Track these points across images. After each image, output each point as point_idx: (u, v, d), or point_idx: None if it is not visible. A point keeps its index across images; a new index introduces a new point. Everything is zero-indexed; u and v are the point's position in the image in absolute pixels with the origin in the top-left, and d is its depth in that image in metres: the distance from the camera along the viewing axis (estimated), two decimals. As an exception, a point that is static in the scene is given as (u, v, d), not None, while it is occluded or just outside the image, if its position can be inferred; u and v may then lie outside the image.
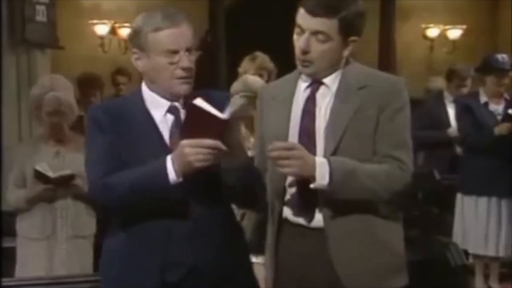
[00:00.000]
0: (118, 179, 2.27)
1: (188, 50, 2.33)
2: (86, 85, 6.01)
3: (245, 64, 4.85)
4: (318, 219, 2.35)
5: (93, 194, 2.38)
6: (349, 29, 2.32)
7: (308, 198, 2.35)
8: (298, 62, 2.38)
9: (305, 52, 2.32)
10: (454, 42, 10.71)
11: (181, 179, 2.22)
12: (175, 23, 2.32)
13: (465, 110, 5.23)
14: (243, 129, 4.02)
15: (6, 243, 3.93)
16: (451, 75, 6.20)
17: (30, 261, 3.72)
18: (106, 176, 2.28)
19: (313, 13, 2.29)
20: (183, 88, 2.33)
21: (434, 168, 5.71)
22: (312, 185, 2.26)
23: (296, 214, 2.38)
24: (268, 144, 2.36)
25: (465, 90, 6.03)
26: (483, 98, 5.19)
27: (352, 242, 2.32)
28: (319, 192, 2.30)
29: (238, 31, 9.53)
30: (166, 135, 2.34)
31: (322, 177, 2.24)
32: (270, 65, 4.82)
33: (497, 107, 5.16)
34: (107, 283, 2.43)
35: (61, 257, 3.69)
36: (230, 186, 2.31)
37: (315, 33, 2.30)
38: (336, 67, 2.39)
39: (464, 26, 10.67)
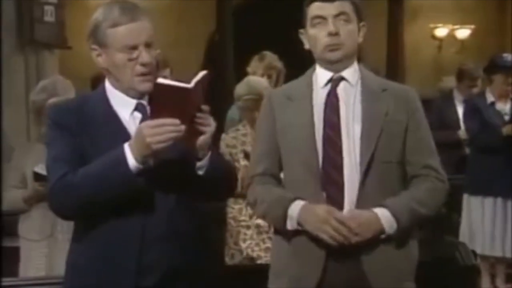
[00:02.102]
0: (78, 176, 2.18)
1: (147, 45, 2.22)
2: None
3: (254, 64, 4.84)
4: None
5: (53, 196, 2.25)
6: (359, 12, 2.45)
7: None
8: (324, 51, 2.42)
9: (335, 33, 2.39)
10: (462, 42, 10.69)
11: (141, 166, 2.14)
12: (133, 17, 2.21)
13: (473, 110, 5.22)
14: (249, 130, 4.01)
15: (11, 243, 3.92)
16: (461, 75, 6.17)
17: (32, 261, 3.71)
18: (66, 176, 2.19)
19: None
20: (145, 86, 2.23)
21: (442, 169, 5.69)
22: (382, 236, 2.33)
23: None
24: (286, 146, 2.41)
25: (475, 90, 6.00)
26: (489, 98, 5.18)
27: (380, 243, 2.36)
28: (346, 193, 2.36)
29: (246, 31, 9.53)
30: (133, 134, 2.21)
31: (390, 227, 2.33)
32: (278, 64, 4.81)
33: (504, 107, 5.16)
34: None
35: (63, 257, 3.67)
36: (200, 179, 2.23)
37: (338, 15, 2.41)
38: (353, 57, 2.48)
39: (473, 26, 10.65)
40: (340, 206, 2.35)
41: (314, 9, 2.43)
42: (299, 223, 2.36)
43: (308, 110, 2.42)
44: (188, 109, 2.14)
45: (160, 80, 2.13)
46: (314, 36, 2.43)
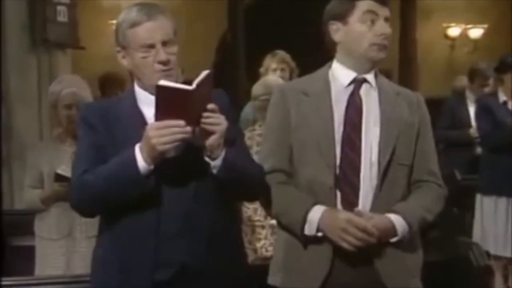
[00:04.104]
0: (93, 175, 2.23)
1: (164, 43, 2.27)
2: (108, 83, 6.07)
3: (267, 61, 4.88)
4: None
5: (72, 193, 2.32)
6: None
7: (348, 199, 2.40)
8: (370, 48, 2.43)
9: (388, 36, 2.44)
10: (475, 41, 10.66)
11: (151, 167, 2.16)
12: (150, 16, 2.26)
13: (485, 109, 5.21)
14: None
15: (25, 242, 3.94)
16: (473, 75, 6.18)
17: (50, 260, 3.73)
18: (84, 175, 2.26)
19: (384, 2, 2.45)
20: None
21: (455, 168, 5.69)
22: (393, 240, 2.36)
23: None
24: (302, 141, 2.40)
25: (487, 90, 5.99)
26: (501, 97, 5.17)
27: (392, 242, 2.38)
28: (362, 194, 2.38)
29: (257, 31, 9.54)
30: None
31: (402, 233, 2.37)
32: (291, 61, 4.84)
33: (516, 106, 5.14)
34: None
35: (80, 256, 3.70)
36: (216, 178, 2.23)
37: (386, 19, 2.44)
38: None
39: (486, 26, 10.61)
40: (354, 207, 2.36)
41: (366, 4, 2.42)
42: (319, 229, 2.35)
43: (327, 107, 2.42)
44: (192, 110, 2.13)
45: (162, 82, 2.13)
46: (361, 32, 2.43)
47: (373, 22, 2.42)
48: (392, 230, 2.34)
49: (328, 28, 2.48)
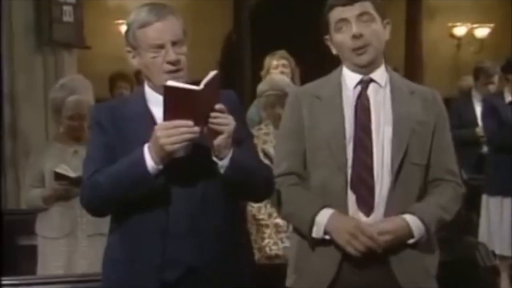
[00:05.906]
0: (103, 175, 2.24)
1: (174, 43, 2.28)
2: (117, 79, 6.12)
3: (267, 61, 4.94)
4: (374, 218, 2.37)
5: (82, 193, 2.35)
6: (381, 9, 2.44)
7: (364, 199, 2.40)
8: (351, 55, 2.42)
9: (359, 35, 2.38)
10: (481, 41, 10.63)
11: (160, 167, 2.17)
12: (160, 17, 2.27)
13: (491, 109, 5.21)
14: (272, 129, 4.01)
15: (31, 241, 3.95)
16: (478, 73, 6.16)
17: (51, 259, 3.74)
18: (94, 175, 2.27)
19: (350, 1, 2.39)
20: None
21: (461, 168, 5.68)
22: (410, 242, 2.35)
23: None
24: (314, 144, 2.40)
25: (492, 88, 5.98)
26: (508, 97, 5.17)
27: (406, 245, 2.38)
28: (376, 194, 2.36)
29: (263, 31, 9.53)
30: None
31: (419, 236, 2.36)
32: (291, 59, 4.88)
33: (522, 106, 5.13)
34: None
35: (81, 255, 3.70)
36: (223, 178, 2.23)
37: (360, 16, 2.39)
38: (380, 58, 2.47)
39: (492, 25, 10.58)
40: (370, 207, 2.37)
41: (336, 14, 2.42)
42: (326, 232, 2.35)
43: (338, 109, 2.42)
44: (200, 110, 2.14)
45: (170, 83, 2.14)
46: (340, 41, 2.42)
47: (346, 28, 2.40)
48: (408, 232, 2.33)
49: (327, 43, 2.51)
